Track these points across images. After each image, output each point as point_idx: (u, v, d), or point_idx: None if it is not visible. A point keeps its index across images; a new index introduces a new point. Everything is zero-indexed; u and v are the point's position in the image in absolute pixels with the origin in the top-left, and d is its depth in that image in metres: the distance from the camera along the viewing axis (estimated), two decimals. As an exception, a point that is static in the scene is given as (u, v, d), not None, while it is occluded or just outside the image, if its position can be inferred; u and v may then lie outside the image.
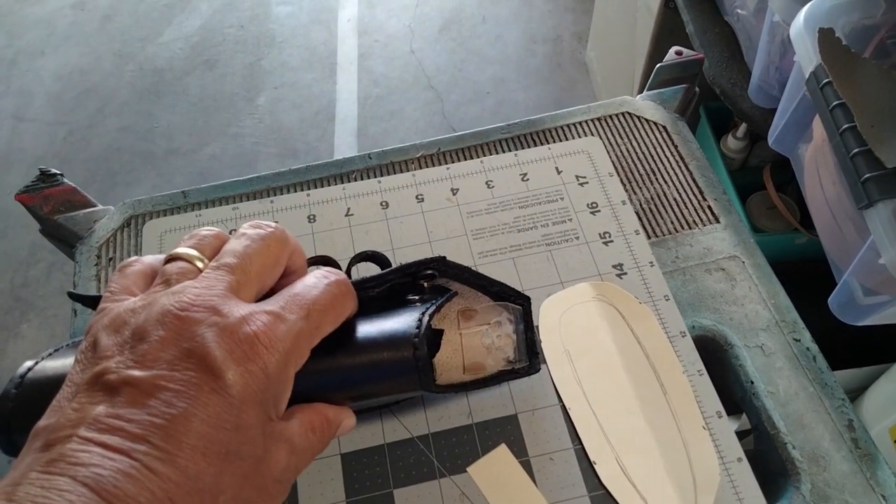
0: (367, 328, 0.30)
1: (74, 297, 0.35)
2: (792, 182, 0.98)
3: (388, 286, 0.33)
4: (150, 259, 0.29)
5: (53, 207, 0.50)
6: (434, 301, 0.32)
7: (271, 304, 0.26)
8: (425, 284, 0.33)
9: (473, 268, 0.42)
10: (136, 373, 0.22)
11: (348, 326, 0.30)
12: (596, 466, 0.36)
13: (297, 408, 0.27)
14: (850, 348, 0.73)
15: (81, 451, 0.20)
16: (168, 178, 1.73)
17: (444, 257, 0.33)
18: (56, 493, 0.19)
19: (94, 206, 0.51)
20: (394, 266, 0.33)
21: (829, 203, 0.58)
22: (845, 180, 0.51)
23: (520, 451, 0.37)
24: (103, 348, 0.24)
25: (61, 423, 0.22)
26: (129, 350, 0.23)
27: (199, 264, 0.27)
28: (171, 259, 0.27)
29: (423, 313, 0.30)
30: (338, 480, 0.37)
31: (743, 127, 0.99)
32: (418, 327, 0.30)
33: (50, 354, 0.31)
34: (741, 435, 0.38)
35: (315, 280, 0.28)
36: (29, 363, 0.30)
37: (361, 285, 0.32)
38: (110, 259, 0.47)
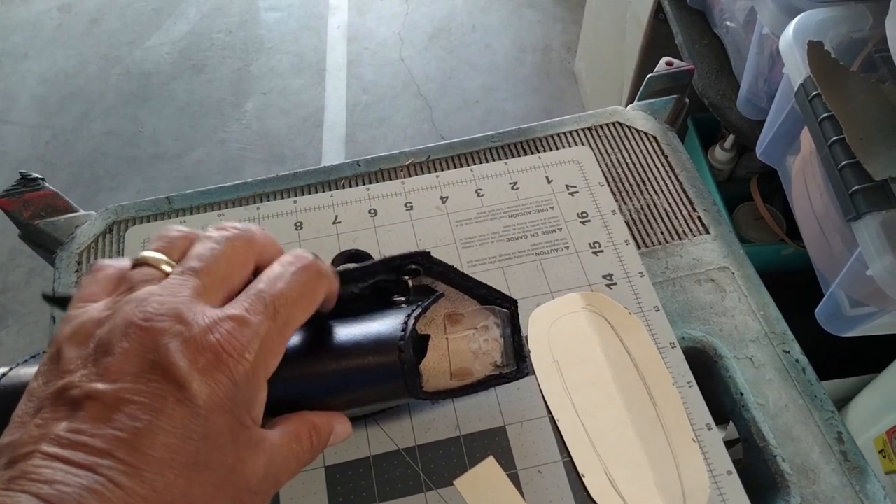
0: (352, 331, 0.29)
1: (49, 299, 0.35)
2: (778, 193, 0.98)
3: (373, 283, 0.32)
4: (121, 263, 0.28)
5: (34, 212, 0.49)
6: (420, 303, 0.31)
7: (236, 307, 0.25)
8: (409, 281, 0.33)
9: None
10: (100, 386, 0.22)
11: (332, 330, 0.30)
12: (585, 479, 0.36)
13: (281, 418, 0.27)
14: (834, 359, 0.74)
15: (44, 468, 0.20)
16: (153, 182, 1.71)
17: (429, 252, 0.32)
18: None
19: (76, 211, 0.50)
20: (377, 259, 0.33)
21: (817, 215, 0.59)
22: (833, 192, 0.51)
23: (508, 464, 0.37)
24: (67, 361, 0.23)
25: (24, 440, 0.21)
26: (92, 363, 0.23)
27: (167, 268, 0.26)
28: (138, 264, 0.26)
29: (409, 316, 0.30)
30: (322, 494, 0.36)
31: (730, 138, 1.00)
32: (403, 330, 0.29)
33: (25, 361, 0.30)
34: (729, 444, 0.37)
35: (280, 269, 0.27)
36: (3, 369, 0.30)
37: (345, 277, 0.31)
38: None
